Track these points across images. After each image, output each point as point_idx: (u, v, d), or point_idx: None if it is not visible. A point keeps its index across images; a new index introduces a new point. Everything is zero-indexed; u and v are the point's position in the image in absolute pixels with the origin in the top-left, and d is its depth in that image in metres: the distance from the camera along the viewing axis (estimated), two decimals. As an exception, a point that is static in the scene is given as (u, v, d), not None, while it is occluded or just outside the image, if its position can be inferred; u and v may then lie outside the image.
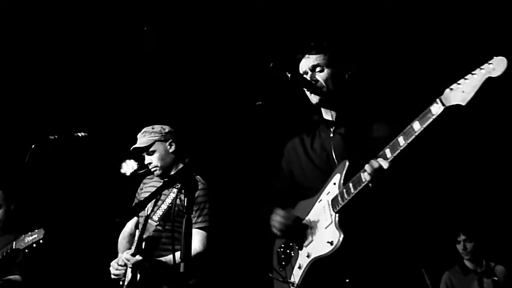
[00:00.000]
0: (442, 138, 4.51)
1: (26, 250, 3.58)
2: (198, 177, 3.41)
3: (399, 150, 2.11)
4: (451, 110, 1.95)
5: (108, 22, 5.22)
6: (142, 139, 3.55)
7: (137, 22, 5.23)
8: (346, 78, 2.63)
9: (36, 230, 3.59)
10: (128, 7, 5.08)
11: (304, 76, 2.63)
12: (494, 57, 1.86)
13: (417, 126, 2.05)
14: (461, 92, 1.90)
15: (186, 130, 3.83)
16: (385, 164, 2.15)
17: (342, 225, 2.30)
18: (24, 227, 3.74)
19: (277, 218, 2.54)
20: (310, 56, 2.65)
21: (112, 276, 3.34)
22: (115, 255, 3.46)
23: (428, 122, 2.01)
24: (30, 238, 3.57)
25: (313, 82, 2.59)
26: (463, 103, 1.89)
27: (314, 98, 2.62)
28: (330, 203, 2.40)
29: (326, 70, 2.60)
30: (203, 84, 5.43)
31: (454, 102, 1.92)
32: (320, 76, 2.60)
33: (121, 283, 3.29)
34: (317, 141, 2.68)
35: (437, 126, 2.01)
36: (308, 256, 2.41)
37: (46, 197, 5.40)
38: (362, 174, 2.23)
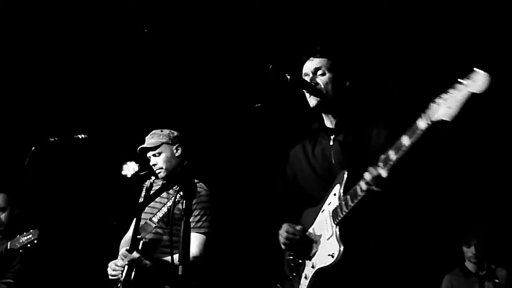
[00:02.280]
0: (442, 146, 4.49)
1: (21, 251, 3.56)
2: (201, 183, 3.45)
3: (391, 164, 2.11)
4: (437, 125, 1.96)
5: (111, 24, 5.23)
6: (150, 140, 3.60)
7: (140, 23, 5.24)
8: (347, 86, 2.64)
9: (31, 231, 3.58)
10: (130, 9, 5.09)
11: (305, 78, 2.63)
12: (476, 71, 1.86)
13: (406, 141, 2.06)
14: (446, 107, 1.91)
15: (187, 134, 3.84)
16: (383, 173, 2.14)
17: (342, 237, 2.30)
18: (23, 230, 3.72)
19: (281, 232, 2.57)
20: (314, 59, 2.66)
21: (110, 277, 3.32)
22: (112, 257, 3.44)
23: (416, 138, 2.02)
24: (25, 238, 3.56)
25: (313, 84, 2.59)
26: (449, 119, 1.91)
27: (312, 101, 2.62)
28: (331, 214, 2.41)
29: (327, 74, 2.60)
30: (203, 87, 5.44)
31: (440, 117, 1.93)
32: (321, 80, 2.60)
33: (119, 285, 3.28)
34: (318, 148, 2.68)
35: (426, 139, 2.02)
36: (313, 267, 2.43)
37: (46, 199, 5.39)
38: (357, 186, 2.23)
